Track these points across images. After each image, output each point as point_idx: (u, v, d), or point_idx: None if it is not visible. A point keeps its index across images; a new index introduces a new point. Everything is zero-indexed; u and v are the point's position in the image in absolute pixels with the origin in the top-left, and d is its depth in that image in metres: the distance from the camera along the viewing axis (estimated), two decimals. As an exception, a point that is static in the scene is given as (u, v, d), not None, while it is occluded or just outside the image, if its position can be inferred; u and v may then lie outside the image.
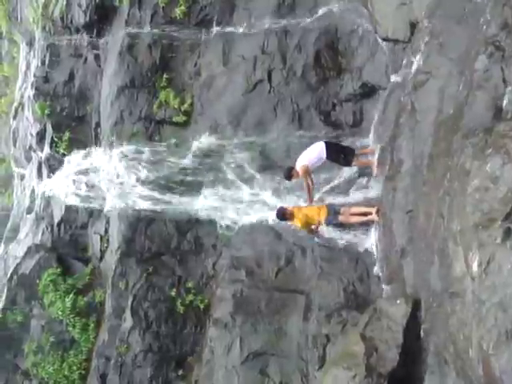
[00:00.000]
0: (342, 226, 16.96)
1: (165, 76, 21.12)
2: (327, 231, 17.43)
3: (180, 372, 19.62)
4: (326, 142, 16.79)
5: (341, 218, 16.52)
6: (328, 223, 16.78)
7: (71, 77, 24.13)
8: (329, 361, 15.89)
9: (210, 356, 18.52)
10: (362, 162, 17.16)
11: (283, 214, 16.82)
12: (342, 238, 17.34)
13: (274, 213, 17.17)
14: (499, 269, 9.22)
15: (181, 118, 20.75)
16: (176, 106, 20.75)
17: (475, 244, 9.71)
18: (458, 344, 10.53)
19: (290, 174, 16.97)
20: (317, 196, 17.72)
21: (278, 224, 18.28)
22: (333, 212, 16.47)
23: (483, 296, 9.43)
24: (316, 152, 16.64)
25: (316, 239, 17.73)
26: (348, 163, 16.91)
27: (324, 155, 16.56)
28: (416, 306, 13.08)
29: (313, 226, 17.08)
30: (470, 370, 10.11)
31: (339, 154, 16.70)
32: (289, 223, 17.43)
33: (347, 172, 17.71)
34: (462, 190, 10.53)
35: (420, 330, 12.83)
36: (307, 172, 16.79)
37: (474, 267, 9.65)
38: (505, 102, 11.03)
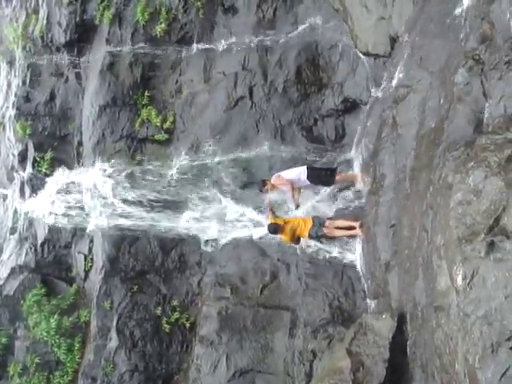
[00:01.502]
0: (326, 239, 16.92)
1: (146, 94, 21.10)
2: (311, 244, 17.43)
3: (167, 391, 19.53)
4: (307, 167, 16.83)
5: (325, 230, 16.49)
6: (313, 234, 16.72)
7: (52, 96, 24.03)
8: (315, 377, 15.85)
9: (197, 374, 18.43)
10: (344, 177, 17.14)
11: (275, 230, 16.73)
12: (327, 250, 17.35)
13: (266, 228, 17.02)
14: (483, 282, 9.22)
15: (163, 136, 20.72)
16: (158, 124, 20.73)
17: (459, 258, 9.70)
18: (443, 358, 10.52)
19: (263, 185, 16.98)
20: (301, 210, 17.69)
21: (262, 240, 18.28)
22: (318, 224, 16.44)
23: (468, 309, 9.42)
24: (296, 172, 16.69)
25: (299, 252, 17.70)
26: (331, 183, 16.92)
27: (304, 177, 16.56)
28: (402, 320, 13.07)
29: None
30: (456, 383, 10.10)
31: (321, 177, 16.71)
32: (278, 236, 17.30)
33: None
34: (445, 203, 10.54)
35: (406, 344, 12.82)
36: (280, 180, 16.75)
37: (459, 281, 9.64)
38: (485, 116, 11.08)
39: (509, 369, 8.69)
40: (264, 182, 17.05)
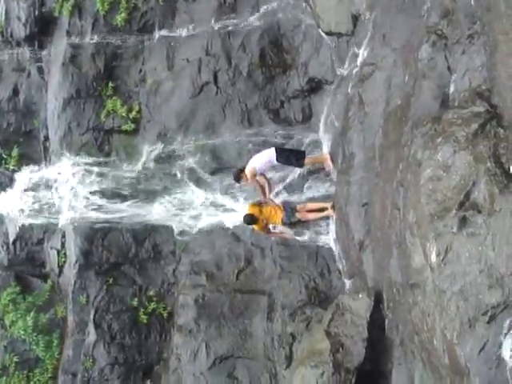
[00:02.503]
0: (299, 223, 16.89)
1: (110, 85, 20.85)
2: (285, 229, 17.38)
3: (148, 382, 19.46)
4: (276, 148, 16.70)
5: (298, 215, 16.49)
6: (285, 221, 16.70)
7: (15, 91, 23.69)
8: (296, 360, 15.89)
9: (177, 363, 18.40)
10: (313, 159, 17.09)
11: (251, 221, 16.64)
12: (301, 234, 17.37)
13: (242, 219, 16.93)
14: (457, 257, 9.26)
15: (129, 126, 20.52)
16: (124, 114, 20.51)
17: (432, 234, 9.73)
18: (422, 334, 10.58)
19: (238, 176, 16.84)
20: (272, 195, 17.64)
21: (234, 226, 18.24)
22: (289, 210, 16.41)
23: (443, 285, 9.46)
24: (265, 156, 16.51)
25: (273, 238, 17.71)
26: (300, 165, 16.82)
27: (274, 159, 16.41)
28: (378, 298, 13.13)
29: (270, 226, 17.02)
30: (435, 359, 10.16)
31: (290, 157, 16.60)
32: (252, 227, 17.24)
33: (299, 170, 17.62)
34: (415, 180, 10.56)
35: (384, 322, 12.89)
36: (254, 174, 16.64)
37: (433, 257, 9.68)
38: (451, 90, 11.12)
39: (487, 343, 8.76)
40: (240, 172, 16.85)
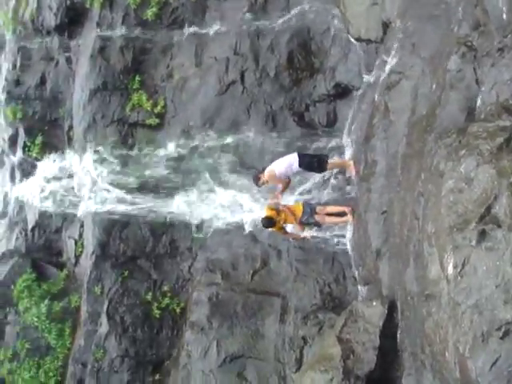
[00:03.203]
0: (317, 225, 16.86)
1: (137, 78, 20.95)
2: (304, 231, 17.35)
3: (157, 376, 19.50)
4: (298, 153, 16.62)
5: (316, 218, 16.39)
6: (304, 222, 16.65)
7: (43, 80, 23.89)
8: (306, 363, 15.89)
9: (187, 360, 18.43)
10: (336, 164, 17.03)
11: (269, 225, 16.55)
12: (318, 237, 17.35)
13: (260, 222, 16.82)
14: (474, 271, 9.20)
15: (154, 121, 20.60)
16: (149, 109, 20.60)
17: (450, 246, 9.67)
18: (434, 346, 10.51)
19: (257, 178, 16.78)
20: (292, 197, 17.66)
21: (253, 226, 18.25)
22: (309, 210, 16.33)
23: (459, 298, 9.40)
24: (287, 161, 16.38)
25: (290, 240, 17.69)
26: (322, 169, 16.73)
27: (296, 164, 16.31)
28: (392, 307, 13.07)
29: (287, 227, 16.95)
30: (446, 372, 10.09)
31: (313, 163, 16.51)
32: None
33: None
34: (437, 191, 10.50)
35: (396, 331, 12.84)
36: (273, 177, 16.56)
37: (450, 269, 9.62)
38: (478, 103, 11.03)
39: (499, 358, 8.69)
40: (258, 177, 16.81)
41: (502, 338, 8.68)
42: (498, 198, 9.22)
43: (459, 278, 9.44)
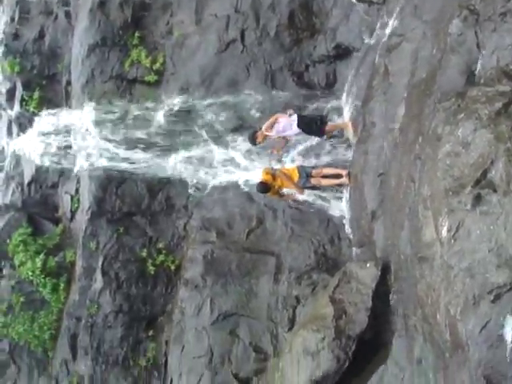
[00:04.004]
0: (313, 189, 16.90)
1: (136, 34, 20.80)
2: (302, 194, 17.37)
3: (150, 332, 19.66)
4: (298, 114, 16.57)
5: (312, 181, 16.41)
6: (299, 186, 16.67)
7: (41, 34, 23.70)
8: (298, 323, 16.01)
9: (181, 317, 18.56)
10: (334, 126, 16.97)
11: (263, 190, 16.55)
12: (315, 200, 17.39)
13: (255, 187, 16.93)
14: (468, 235, 9.25)
15: (152, 78, 20.49)
16: (148, 65, 20.47)
17: (445, 209, 9.71)
18: (425, 308, 10.60)
19: (253, 137, 16.73)
20: (288, 158, 17.66)
21: (249, 185, 18.26)
22: (304, 175, 16.34)
23: (452, 261, 9.47)
24: (286, 120, 16.37)
25: (288, 203, 17.72)
26: (321, 132, 16.68)
27: (295, 125, 16.29)
28: (386, 269, 13.16)
29: (284, 190, 16.95)
30: (437, 334, 10.19)
31: (311, 124, 16.46)
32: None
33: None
34: (433, 154, 10.52)
35: (389, 293, 12.94)
36: (269, 129, 16.47)
37: (444, 232, 9.67)
38: (478, 67, 11.02)
39: (489, 321, 8.77)
40: (255, 135, 16.76)
41: (493, 302, 8.75)
42: (494, 163, 9.24)
43: (453, 241, 9.49)
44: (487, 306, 8.84)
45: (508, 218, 8.75)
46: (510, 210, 8.75)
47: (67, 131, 22.28)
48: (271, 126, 16.40)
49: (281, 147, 17.14)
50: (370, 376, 12.71)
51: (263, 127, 16.52)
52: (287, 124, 16.39)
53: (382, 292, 13.11)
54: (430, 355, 10.79)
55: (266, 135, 16.62)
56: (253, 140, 16.81)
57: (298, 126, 16.27)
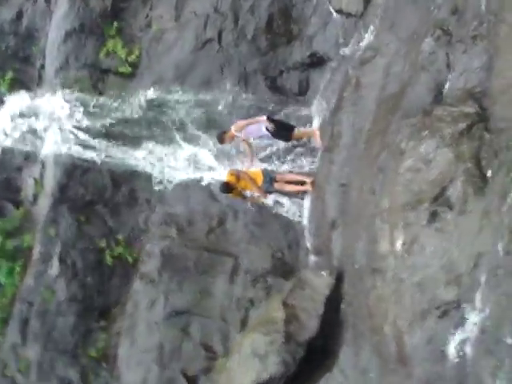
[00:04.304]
0: (277, 193, 17.00)
1: (115, 25, 20.74)
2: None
3: (102, 323, 19.55)
4: (268, 117, 16.67)
5: (276, 186, 16.51)
6: (264, 190, 16.77)
7: (19, 15, 23.48)
8: (250, 324, 16.07)
9: (134, 310, 18.53)
10: (302, 134, 17.09)
11: (226, 190, 16.67)
12: (277, 205, 17.48)
13: (218, 186, 17.07)
14: (421, 250, 9.42)
15: (127, 69, 20.45)
16: (123, 57, 20.42)
17: (401, 223, 9.88)
18: (374, 319, 10.74)
19: (221, 137, 16.84)
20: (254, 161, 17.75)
21: (213, 185, 18.30)
22: (268, 179, 16.43)
23: (403, 275, 9.63)
24: (256, 122, 16.48)
25: (249, 205, 17.80)
26: (288, 138, 16.81)
27: (264, 127, 16.39)
28: (340, 278, 13.29)
29: (247, 193, 17.08)
30: (383, 346, 10.34)
31: (280, 129, 16.58)
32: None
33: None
34: (395, 168, 10.68)
35: (341, 302, 13.05)
36: (239, 130, 16.56)
37: (398, 246, 9.83)
38: (446, 87, 11.20)
39: (434, 337, 8.94)
40: (223, 135, 16.88)
41: (439, 317, 8.92)
42: (453, 182, 9.42)
43: (406, 255, 9.65)
44: (434, 322, 9.00)
45: (461, 236, 8.92)
46: (464, 228, 8.92)
47: (37, 115, 22.14)
48: (242, 128, 16.49)
49: (251, 156, 17.24)
50: (315, 382, 12.83)
51: (233, 127, 16.61)
52: (257, 127, 16.49)
53: (334, 300, 13.23)
54: (376, 366, 10.92)
55: (235, 136, 16.72)
56: (221, 139, 16.90)
57: (267, 129, 16.37)
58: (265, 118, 16.46)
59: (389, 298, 10.05)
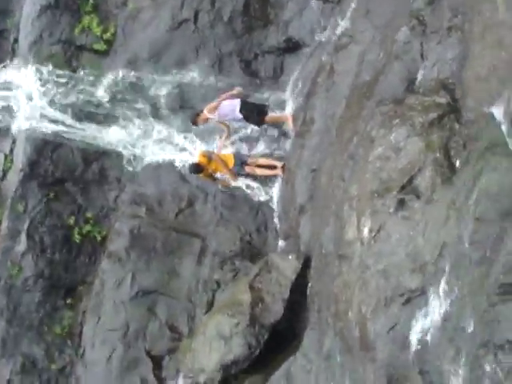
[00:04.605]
0: (246, 177, 17.05)
1: (91, 1, 20.48)
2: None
3: (68, 301, 19.46)
4: (241, 99, 16.71)
5: (247, 169, 16.63)
6: (234, 172, 16.84)
7: (-6, -12, 23.30)
8: (216, 306, 16.13)
9: (100, 288, 18.49)
10: (274, 118, 17.14)
11: (196, 170, 16.78)
12: (247, 188, 17.51)
13: (187, 167, 17.32)
14: (388, 237, 9.49)
15: (101, 47, 20.27)
16: (98, 34, 20.23)
17: (369, 210, 9.94)
18: (339, 305, 10.82)
19: (195, 118, 16.90)
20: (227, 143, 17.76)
21: (184, 166, 18.29)
22: (239, 162, 16.54)
23: (369, 261, 9.70)
24: (230, 104, 16.54)
25: (220, 187, 17.82)
26: (260, 122, 16.85)
27: (237, 109, 16.44)
28: (307, 263, 13.39)
29: (217, 175, 17.16)
30: (347, 331, 10.42)
31: (253, 112, 16.62)
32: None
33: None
34: (365, 156, 10.74)
35: (307, 287, 13.14)
36: (214, 109, 16.64)
37: (365, 233, 9.90)
38: (419, 77, 11.26)
39: (398, 324, 9.01)
40: (197, 116, 16.92)
41: (403, 305, 8.99)
42: (421, 171, 9.50)
43: (373, 242, 9.72)
44: (397, 309, 9.07)
45: (427, 225, 8.99)
46: (430, 217, 8.99)
47: (8, 89, 21.95)
48: (214, 109, 16.53)
49: (226, 135, 17.28)
50: (279, 365, 12.93)
51: (206, 109, 16.64)
52: (230, 108, 16.53)
53: (300, 285, 13.33)
54: (339, 351, 11.00)
55: (208, 118, 16.75)
56: (194, 121, 16.94)
57: (240, 111, 16.40)
58: (238, 99, 16.51)
59: (354, 285, 10.13)
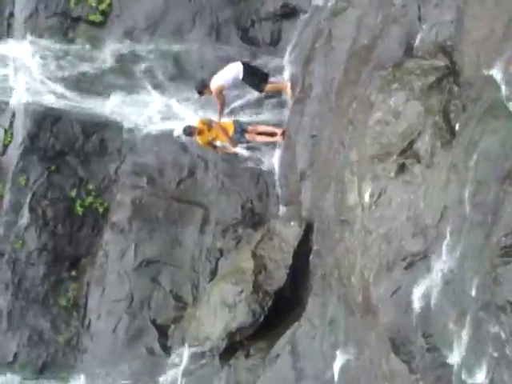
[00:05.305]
0: (247, 143, 17.05)
1: (85, -28, 20.46)
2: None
3: (73, 273, 19.55)
4: (243, 63, 16.63)
5: (247, 137, 16.61)
6: (235, 140, 16.82)
7: (-12, -39, 23.12)
8: (219, 274, 16.22)
9: (104, 259, 18.58)
10: (274, 86, 17.08)
11: (188, 132, 16.81)
12: (247, 156, 17.52)
13: (181, 128, 17.20)
14: (389, 202, 9.50)
15: (97, 18, 20.16)
16: (94, 5, 20.08)
17: (369, 175, 9.94)
18: (342, 270, 10.87)
19: (202, 89, 16.82)
20: (225, 111, 17.69)
21: (184, 135, 18.27)
22: (239, 130, 16.52)
23: (371, 226, 9.71)
24: (233, 72, 16.41)
25: (219, 154, 17.83)
26: (261, 89, 16.77)
27: (240, 76, 16.38)
28: (309, 229, 13.42)
29: (217, 143, 17.16)
30: (350, 296, 10.48)
31: (255, 77, 16.56)
32: (193, 138, 17.34)
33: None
34: (365, 120, 10.72)
35: (310, 253, 13.18)
36: (221, 92, 16.65)
37: (366, 198, 9.91)
38: (417, 40, 11.22)
39: (400, 287, 9.04)
40: (204, 86, 16.82)
41: (405, 269, 9.02)
42: (421, 135, 9.49)
43: (374, 206, 9.73)
44: (400, 273, 9.11)
45: (428, 189, 9.00)
46: (431, 181, 9.00)
47: (6, 63, 21.87)
48: (221, 93, 16.53)
49: (220, 109, 17.24)
50: (283, 331, 13.02)
51: (212, 85, 16.53)
52: (235, 76, 16.44)
53: (302, 251, 13.38)
54: (343, 315, 11.09)
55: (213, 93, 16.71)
56: (201, 91, 16.89)
57: (243, 76, 16.34)
58: (240, 64, 16.45)
59: (356, 249, 10.17)
